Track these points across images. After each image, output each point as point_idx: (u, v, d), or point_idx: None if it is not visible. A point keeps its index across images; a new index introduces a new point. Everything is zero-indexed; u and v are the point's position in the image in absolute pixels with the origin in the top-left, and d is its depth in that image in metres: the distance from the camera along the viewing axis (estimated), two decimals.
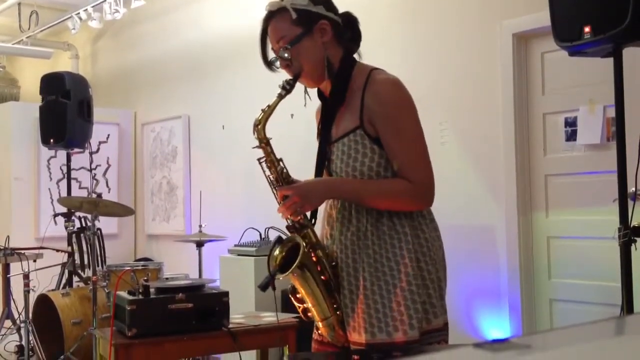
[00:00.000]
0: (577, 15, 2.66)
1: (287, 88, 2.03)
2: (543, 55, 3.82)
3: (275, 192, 2.05)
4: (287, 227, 2.05)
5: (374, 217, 2.01)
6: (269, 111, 2.06)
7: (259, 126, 2.06)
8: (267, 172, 2.05)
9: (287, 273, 1.96)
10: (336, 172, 2.06)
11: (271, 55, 2.12)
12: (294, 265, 1.95)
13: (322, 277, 2.02)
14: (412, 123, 2.02)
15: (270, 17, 2.08)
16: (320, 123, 2.14)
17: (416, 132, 2.03)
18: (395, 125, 1.99)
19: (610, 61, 2.68)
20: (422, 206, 2.03)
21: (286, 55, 2.04)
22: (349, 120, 2.04)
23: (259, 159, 2.06)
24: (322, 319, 2.04)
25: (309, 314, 2.07)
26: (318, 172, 2.10)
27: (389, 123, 1.99)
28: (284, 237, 2.04)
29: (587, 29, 2.61)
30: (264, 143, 2.05)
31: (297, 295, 2.06)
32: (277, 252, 2.00)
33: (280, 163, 2.05)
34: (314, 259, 2.02)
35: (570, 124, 3.68)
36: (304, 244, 1.98)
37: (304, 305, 2.06)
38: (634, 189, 2.70)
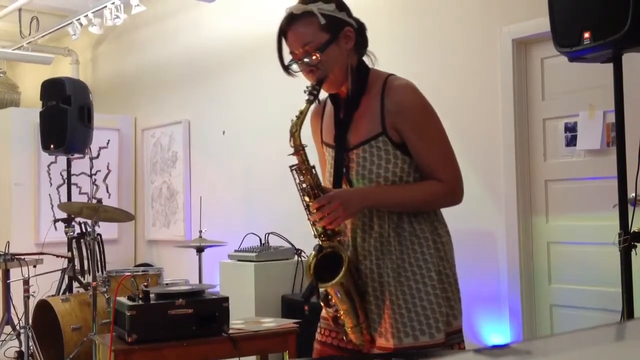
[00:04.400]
0: (576, 21, 2.67)
1: (315, 93, 2.02)
2: (543, 61, 3.82)
3: (305, 199, 2.02)
4: (319, 235, 2.03)
5: (394, 222, 2.04)
6: (302, 117, 2.02)
7: (296, 133, 2.02)
8: (298, 180, 2.02)
9: (329, 284, 1.97)
10: (357, 178, 2.06)
11: (287, 57, 2.08)
12: (338, 278, 1.96)
13: (356, 285, 2.04)
14: (436, 124, 2.06)
15: (293, 20, 2.04)
16: (335, 128, 2.12)
17: (441, 132, 2.07)
18: (422, 128, 2.03)
19: (610, 67, 2.69)
20: (455, 202, 2.09)
21: (313, 60, 2.02)
22: (369, 126, 2.04)
23: (291, 167, 2.03)
24: (353, 325, 2.05)
25: (340, 321, 2.07)
26: (337, 180, 2.07)
27: (415, 127, 2.02)
28: (323, 246, 2.02)
29: (586, 35, 2.61)
30: (301, 150, 2.03)
31: (330, 302, 2.05)
32: (310, 258, 2.00)
33: (313, 170, 2.03)
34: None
35: (570, 129, 3.69)
36: (348, 257, 1.98)
37: (336, 312, 2.06)
38: (634, 194, 2.70)
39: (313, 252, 2.01)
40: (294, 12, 2.03)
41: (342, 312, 2.04)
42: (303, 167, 2.01)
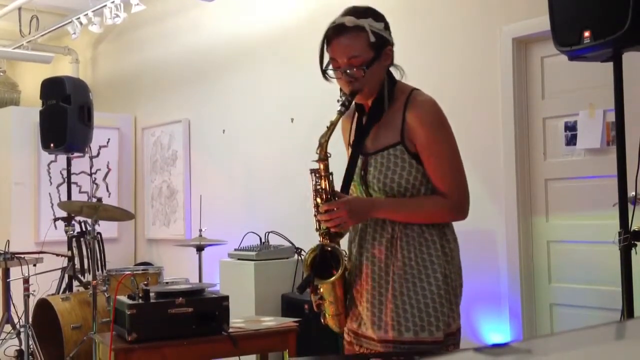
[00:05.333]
0: (576, 19, 2.67)
1: (347, 105, 2.10)
2: (543, 60, 3.82)
3: (317, 200, 2.12)
4: (321, 234, 2.14)
5: (403, 224, 2.13)
6: (332, 128, 2.10)
7: (325, 144, 2.11)
8: (314, 181, 2.12)
9: (324, 282, 2.12)
10: (373, 182, 2.14)
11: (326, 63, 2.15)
12: (333, 278, 2.11)
13: (345, 286, 2.19)
14: (450, 143, 2.15)
15: (342, 30, 2.08)
16: (354, 133, 2.21)
17: (453, 152, 2.16)
18: (435, 145, 2.11)
19: (610, 65, 2.69)
20: (459, 219, 2.18)
21: (357, 74, 2.08)
22: (389, 135, 2.13)
23: (311, 170, 2.13)
24: (334, 314, 2.21)
25: (322, 307, 2.21)
26: (347, 181, 2.15)
27: (429, 143, 2.10)
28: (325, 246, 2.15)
29: (586, 34, 2.61)
30: (326, 160, 2.12)
31: (318, 291, 2.18)
32: (310, 253, 2.13)
33: (331, 177, 2.13)
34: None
35: (570, 128, 3.69)
36: (344, 262, 2.12)
37: (320, 300, 2.19)
38: (633, 193, 2.70)
39: (313, 247, 2.13)
40: (346, 24, 2.08)
41: (326, 302, 2.18)
42: (323, 174, 2.11)
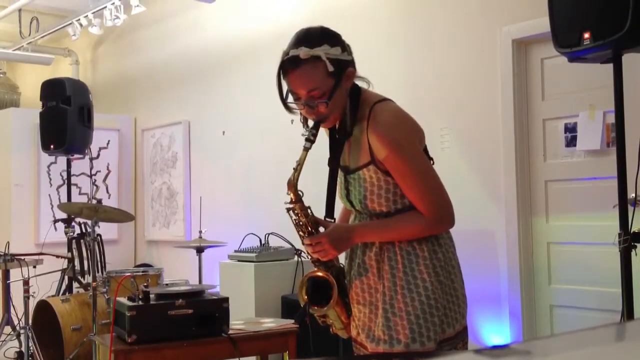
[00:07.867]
0: (576, 21, 2.67)
1: (312, 140, 2.04)
2: (543, 61, 3.82)
3: (301, 233, 2.12)
4: (313, 262, 2.16)
5: None
6: (299, 168, 2.05)
7: (294, 186, 2.06)
8: (294, 218, 2.10)
9: (320, 311, 2.15)
10: (356, 203, 2.13)
11: (287, 93, 2.08)
12: (327, 307, 2.13)
13: (345, 306, 2.20)
14: (414, 161, 2.06)
15: (298, 63, 1.99)
16: (329, 148, 2.16)
17: (419, 169, 2.06)
18: (400, 166, 2.04)
19: (610, 67, 2.69)
20: (442, 231, 2.12)
21: (320, 107, 2.01)
22: (361, 154, 2.08)
23: (287, 209, 2.09)
24: (339, 328, 2.26)
25: (328, 323, 2.26)
26: (330, 201, 2.14)
27: (394, 165, 2.03)
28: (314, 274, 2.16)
29: (586, 35, 2.62)
30: (299, 202, 2.07)
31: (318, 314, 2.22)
32: (302, 284, 2.13)
33: (308, 210, 2.09)
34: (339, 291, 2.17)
35: (570, 129, 3.69)
36: (336, 290, 2.11)
37: (324, 318, 2.23)
38: (633, 194, 2.70)
39: (304, 280, 2.13)
40: (302, 57, 1.98)
41: (330, 319, 2.23)
42: (302, 214, 2.08)
